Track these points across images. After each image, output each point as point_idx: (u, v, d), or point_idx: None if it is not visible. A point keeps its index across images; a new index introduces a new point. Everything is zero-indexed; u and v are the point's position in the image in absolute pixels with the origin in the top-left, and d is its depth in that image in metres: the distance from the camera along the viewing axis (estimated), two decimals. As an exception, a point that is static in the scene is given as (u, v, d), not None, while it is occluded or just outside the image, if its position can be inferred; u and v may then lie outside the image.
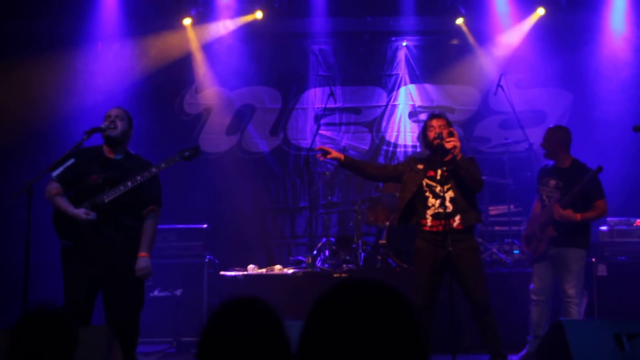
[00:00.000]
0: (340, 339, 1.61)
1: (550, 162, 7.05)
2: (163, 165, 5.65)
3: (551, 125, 7.40)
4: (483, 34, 10.06)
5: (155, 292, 7.80)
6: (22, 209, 5.50)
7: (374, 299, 1.67)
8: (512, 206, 8.85)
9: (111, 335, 5.00)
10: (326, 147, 6.38)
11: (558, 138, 6.99)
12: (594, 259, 7.91)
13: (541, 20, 9.73)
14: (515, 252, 8.31)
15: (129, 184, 5.52)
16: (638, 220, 8.14)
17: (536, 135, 7.80)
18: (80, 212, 5.45)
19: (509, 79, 9.44)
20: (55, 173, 5.54)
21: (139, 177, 5.54)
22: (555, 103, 10.09)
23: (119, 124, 5.67)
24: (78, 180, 5.59)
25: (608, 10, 9.59)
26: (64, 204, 5.53)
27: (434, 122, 6.15)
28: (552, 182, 6.92)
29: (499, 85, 9.18)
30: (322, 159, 6.35)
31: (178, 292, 7.91)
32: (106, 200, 5.50)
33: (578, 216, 6.73)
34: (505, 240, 8.70)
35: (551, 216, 6.82)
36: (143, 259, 5.58)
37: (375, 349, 1.59)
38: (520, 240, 8.10)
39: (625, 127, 6.48)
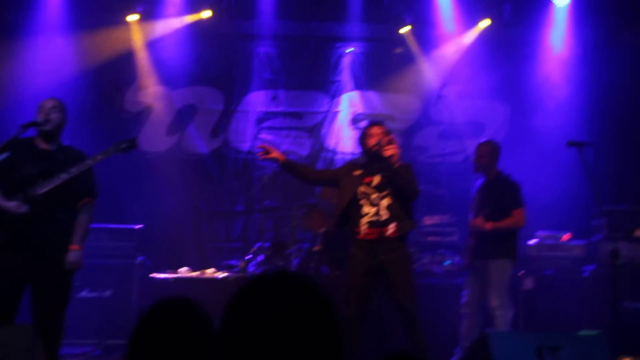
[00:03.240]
0: (253, 337, 1.61)
1: (482, 179, 7.25)
2: (99, 157, 5.58)
3: (483, 140, 7.54)
4: (427, 44, 10.11)
5: (84, 293, 7.68)
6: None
7: (282, 295, 1.68)
8: (446, 216, 9.00)
9: (35, 336, 4.95)
10: (268, 146, 6.37)
11: (489, 152, 7.23)
12: (521, 272, 8.06)
13: (483, 33, 9.84)
14: (446, 263, 8.42)
15: (64, 176, 5.44)
16: (565, 235, 8.33)
17: (473, 147, 7.93)
18: (12, 205, 5.37)
19: (450, 90, 9.59)
20: (-12, 166, 5.49)
21: (74, 169, 5.46)
22: (493, 115, 10.25)
23: (54, 117, 5.61)
24: (10, 172, 5.50)
25: (548, 27, 9.76)
26: None
27: (374, 130, 6.25)
28: (478, 197, 7.14)
29: (440, 95, 9.31)
30: (262, 157, 6.35)
31: (107, 294, 7.81)
32: (39, 193, 5.41)
33: (488, 225, 6.93)
34: (437, 251, 8.78)
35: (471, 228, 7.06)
36: (74, 253, 5.52)
37: (289, 342, 1.60)
38: (451, 251, 8.27)
39: (563, 142, 6.65)
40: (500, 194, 7.02)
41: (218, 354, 1.66)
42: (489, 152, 7.21)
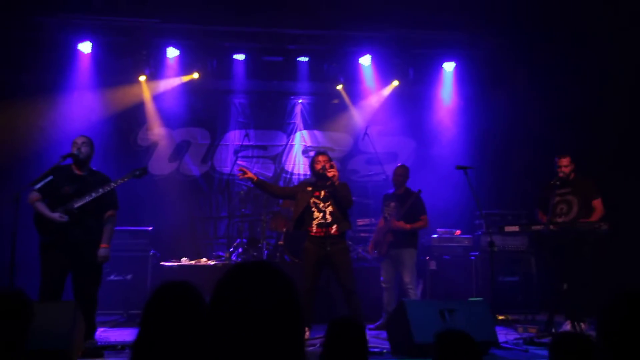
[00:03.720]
0: (236, 308, 1.60)
1: (391, 190, 7.39)
2: (120, 181, 5.65)
3: (399, 164, 7.69)
4: (356, 97, 10.17)
5: (112, 277, 7.59)
6: (8, 215, 5.36)
7: (259, 275, 1.67)
8: (372, 219, 9.05)
9: (76, 308, 5.00)
10: (244, 168, 6.35)
11: (404, 173, 7.40)
12: (427, 257, 8.15)
13: (396, 89, 9.90)
14: (374, 251, 8.45)
15: (94, 194, 5.49)
16: (457, 230, 8.49)
17: (390, 170, 8.04)
18: (56, 216, 5.43)
19: (372, 129, 9.68)
20: (37, 186, 5.51)
21: (101, 190, 5.53)
22: (404, 147, 10.31)
23: (84, 150, 5.64)
24: (53, 191, 5.51)
25: (440, 86, 9.90)
26: (42, 208, 5.49)
27: (320, 158, 6.31)
28: (392, 204, 7.26)
29: (365, 133, 9.42)
30: (241, 177, 6.33)
31: (128, 277, 7.73)
32: (75, 207, 5.46)
33: (407, 226, 7.08)
34: (368, 243, 8.80)
35: (390, 227, 7.14)
36: (104, 249, 5.59)
37: (263, 312, 1.59)
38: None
39: (453, 166, 6.81)
40: (411, 204, 7.17)
41: (209, 321, 1.64)
42: (404, 173, 7.41)
